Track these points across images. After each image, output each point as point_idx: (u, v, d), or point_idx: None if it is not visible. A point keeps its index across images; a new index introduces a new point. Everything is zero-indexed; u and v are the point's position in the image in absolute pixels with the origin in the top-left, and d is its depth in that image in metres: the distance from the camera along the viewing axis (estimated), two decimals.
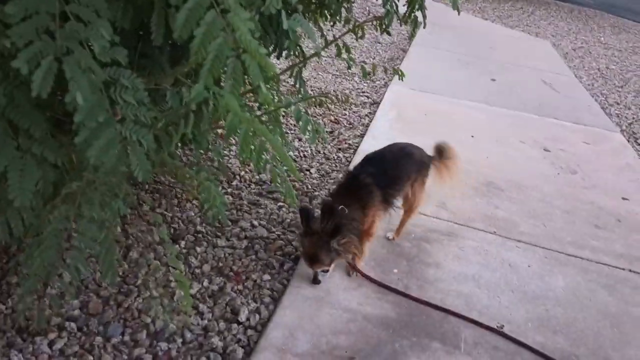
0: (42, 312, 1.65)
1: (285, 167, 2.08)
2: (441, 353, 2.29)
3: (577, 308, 2.68)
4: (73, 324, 2.16)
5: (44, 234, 1.31)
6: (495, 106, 5.38)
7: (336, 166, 3.83)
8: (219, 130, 3.77)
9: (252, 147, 1.49)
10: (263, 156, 1.72)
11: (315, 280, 2.57)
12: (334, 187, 2.82)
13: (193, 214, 3.00)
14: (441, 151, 3.03)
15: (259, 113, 2.17)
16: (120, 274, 2.47)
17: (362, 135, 4.34)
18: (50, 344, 2.07)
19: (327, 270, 2.54)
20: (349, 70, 5.92)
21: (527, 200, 3.65)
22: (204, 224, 2.94)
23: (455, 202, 3.51)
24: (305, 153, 3.95)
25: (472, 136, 4.58)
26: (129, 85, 1.20)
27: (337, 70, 5.91)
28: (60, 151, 1.31)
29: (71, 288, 1.43)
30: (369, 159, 2.83)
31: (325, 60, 6.19)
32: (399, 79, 2.74)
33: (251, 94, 2.68)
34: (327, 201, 2.58)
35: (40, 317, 1.65)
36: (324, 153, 4.00)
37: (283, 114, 4.36)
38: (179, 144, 2.59)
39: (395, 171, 2.76)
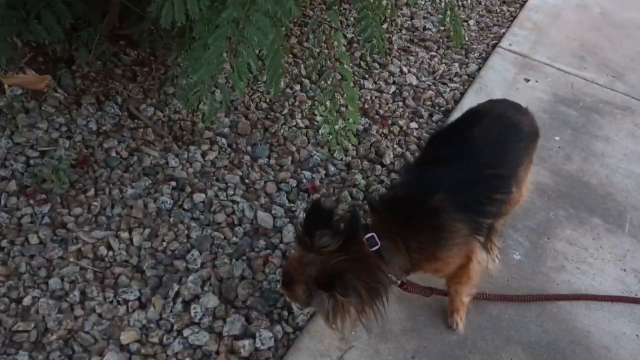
0: (212, 106, 1.56)
1: None
2: (601, 230, 2.07)
3: None
4: (224, 140, 2.19)
5: (218, 20, 1.22)
6: None
7: (498, 20, 3.41)
8: None
9: None
10: None
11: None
12: (384, 194, 1.78)
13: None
14: None
15: None
16: (268, 100, 2.44)
17: None
18: (203, 155, 2.13)
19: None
20: None
21: None
22: (351, 64, 2.78)
23: (636, 75, 3.02)
24: (465, 2, 3.54)
25: None
26: None
27: None
28: None
29: (241, 84, 1.36)
30: (441, 146, 1.66)
31: None
32: None
33: None
34: (356, 220, 1.46)
35: (210, 111, 1.55)
36: (485, 5, 3.56)
37: None
38: None
39: (496, 168, 1.56)
